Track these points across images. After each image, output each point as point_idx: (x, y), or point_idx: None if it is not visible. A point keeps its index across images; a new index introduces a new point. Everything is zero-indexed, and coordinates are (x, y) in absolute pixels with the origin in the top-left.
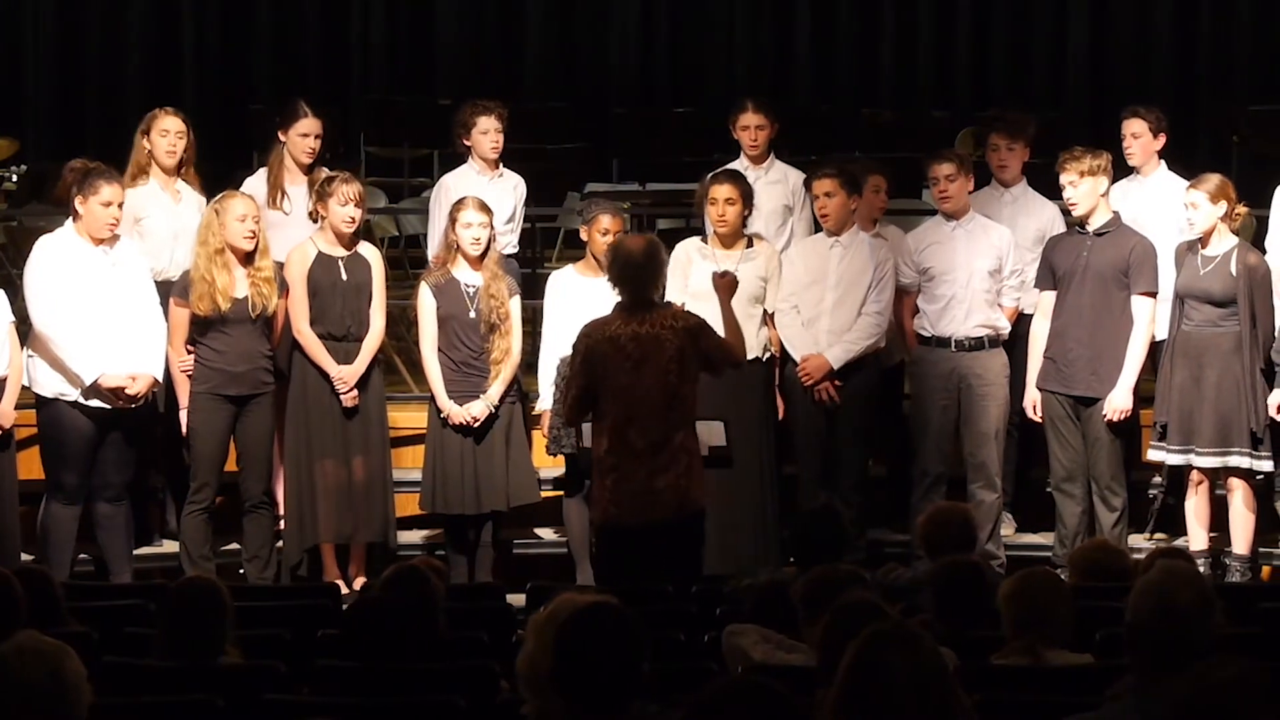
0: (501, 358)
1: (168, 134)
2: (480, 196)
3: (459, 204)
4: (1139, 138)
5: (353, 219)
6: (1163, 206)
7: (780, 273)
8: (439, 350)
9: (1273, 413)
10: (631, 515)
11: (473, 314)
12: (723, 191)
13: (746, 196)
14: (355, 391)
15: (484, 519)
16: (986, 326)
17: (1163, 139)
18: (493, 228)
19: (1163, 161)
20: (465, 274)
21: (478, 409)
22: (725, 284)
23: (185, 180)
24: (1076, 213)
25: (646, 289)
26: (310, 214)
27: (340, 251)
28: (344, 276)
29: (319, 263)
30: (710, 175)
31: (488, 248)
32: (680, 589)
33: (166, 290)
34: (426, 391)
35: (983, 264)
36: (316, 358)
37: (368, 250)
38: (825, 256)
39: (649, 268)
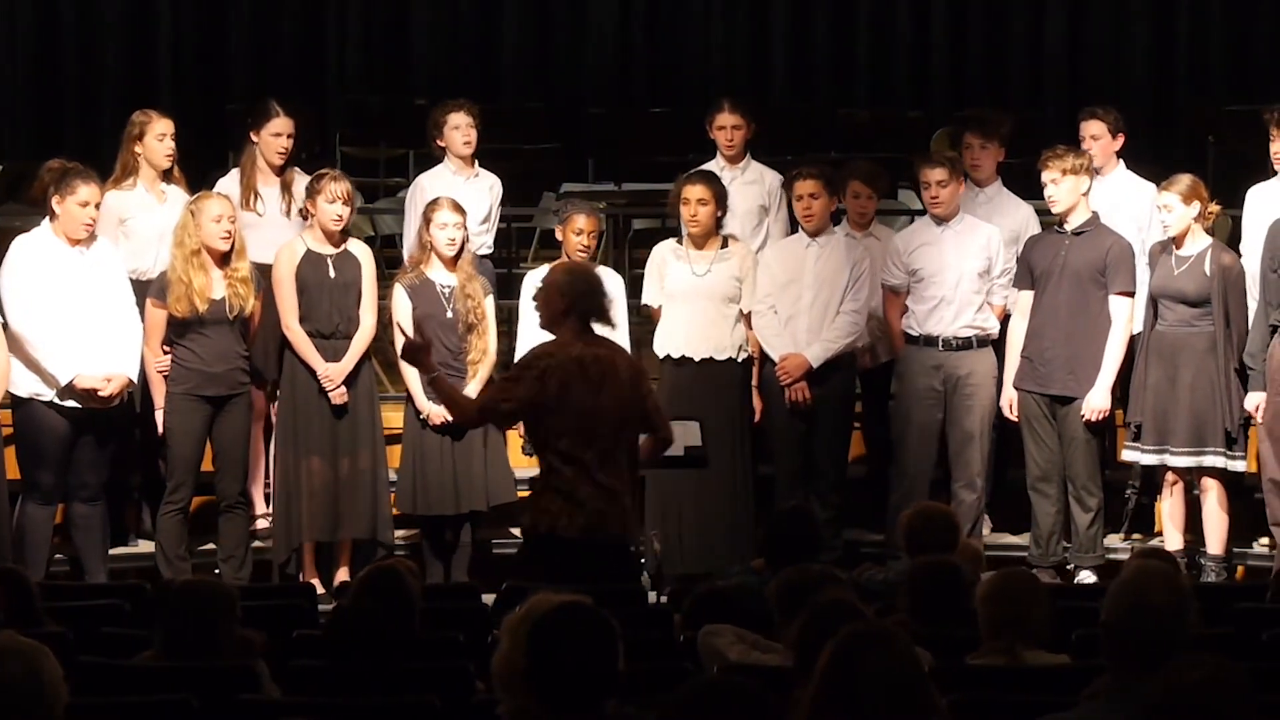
0: (479, 358)
1: (165, 138)
2: (456, 196)
3: (433, 204)
4: (1098, 139)
5: (340, 217)
6: (1122, 206)
7: (755, 273)
8: None
9: (1250, 412)
10: (574, 530)
11: (449, 314)
12: (695, 192)
13: (719, 197)
14: (343, 389)
15: (462, 519)
16: (974, 327)
17: (1121, 139)
18: (466, 228)
19: (1121, 161)
20: (440, 274)
21: None
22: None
23: (175, 182)
24: (1056, 210)
25: (598, 314)
26: (300, 211)
27: (329, 249)
28: (332, 274)
29: (307, 260)
30: (684, 175)
31: (462, 248)
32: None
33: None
34: (403, 391)
35: (972, 265)
36: (304, 355)
37: (358, 248)
38: (802, 256)
39: (602, 292)
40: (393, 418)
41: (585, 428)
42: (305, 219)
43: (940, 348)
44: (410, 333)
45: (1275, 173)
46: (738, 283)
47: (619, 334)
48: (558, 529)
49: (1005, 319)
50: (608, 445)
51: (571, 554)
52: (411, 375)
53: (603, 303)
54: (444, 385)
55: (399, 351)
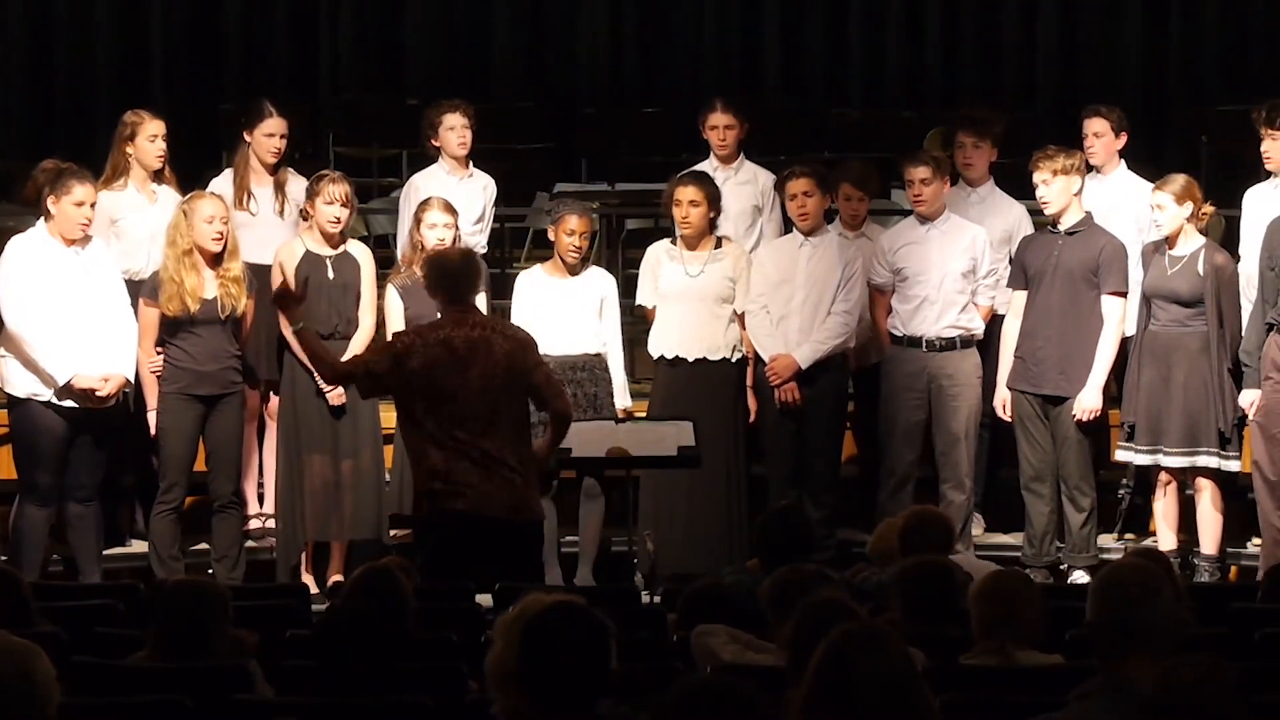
0: None
1: (156, 138)
2: (450, 197)
3: (424, 204)
4: (1101, 137)
5: (338, 219)
6: (1123, 205)
7: (748, 273)
8: None
9: (1246, 411)
10: (466, 506)
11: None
12: (687, 193)
13: (712, 198)
14: (341, 390)
15: None
16: (958, 327)
17: (1124, 138)
18: (458, 229)
19: (1123, 160)
20: None
21: None
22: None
23: (166, 182)
24: (1049, 211)
25: (467, 292)
26: (301, 212)
27: (328, 250)
28: (330, 275)
29: (306, 261)
30: (676, 176)
31: None
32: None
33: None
34: None
35: (956, 265)
36: (303, 356)
37: (357, 249)
38: (794, 256)
39: (468, 271)
40: (390, 418)
41: (449, 408)
42: (305, 220)
43: (924, 349)
44: (291, 278)
45: (1269, 173)
46: (731, 283)
47: (610, 333)
48: (444, 507)
49: (992, 320)
50: (479, 425)
51: (458, 530)
52: None
53: (464, 279)
54: (308, 338)
55: (272, 293)
